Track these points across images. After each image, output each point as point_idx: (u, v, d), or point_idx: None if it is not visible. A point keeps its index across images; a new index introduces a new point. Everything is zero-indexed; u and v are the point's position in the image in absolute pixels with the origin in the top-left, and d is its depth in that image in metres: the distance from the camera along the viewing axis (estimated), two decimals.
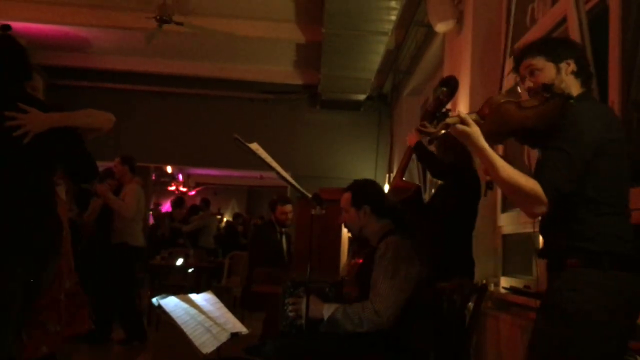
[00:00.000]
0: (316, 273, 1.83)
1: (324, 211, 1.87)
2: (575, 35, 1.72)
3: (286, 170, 1.91)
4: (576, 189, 1.08)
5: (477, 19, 2.57)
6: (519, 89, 1.24)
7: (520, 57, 1.20)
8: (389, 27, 3.68)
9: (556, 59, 1.16)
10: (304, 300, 1.64)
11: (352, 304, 1.65)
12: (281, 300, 1.79)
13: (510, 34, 2.30)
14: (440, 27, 2.84)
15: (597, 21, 1.72)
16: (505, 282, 2.21)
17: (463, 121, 1.08)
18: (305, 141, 5.51)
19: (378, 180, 5.23)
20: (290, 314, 1.68)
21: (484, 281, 1.96)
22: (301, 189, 1.89)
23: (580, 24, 1.72)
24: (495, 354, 1.91)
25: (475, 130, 1.08)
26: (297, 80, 5.49)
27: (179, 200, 6.43)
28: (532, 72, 1.17)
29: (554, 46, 1.19)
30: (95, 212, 3.40)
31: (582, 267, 1.07)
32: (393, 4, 3.38)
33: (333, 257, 2.43)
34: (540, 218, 1.18)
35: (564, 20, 1.86)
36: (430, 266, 1.74)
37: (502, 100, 1.14)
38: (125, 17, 4.18)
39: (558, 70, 1.16)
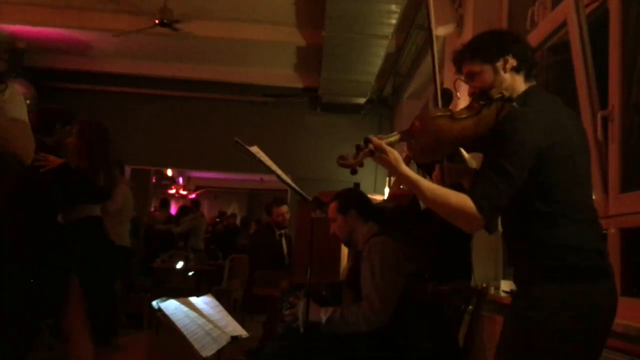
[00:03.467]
0: (317, 276, 1.83)
1: (324, 214, 1.88)
2: (575, 39, 1.73)
3: (286, 173, 1.92)
4: (526, 202, 1.03)
5: (477, 22, 2.58)
6: (457, 95, 1.21)
7: (458, 63, 1.15)
8: (389, 30, 3.69)
9: (491, 59, 1.09)
10: (302, 303, 1.66)
11: (349, 306, 1.67)
12: (279, 303, 1.81)
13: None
14: (440, 31, 2.84)
15: (597, 25, 1.73)
16: (505, 285, 2.21)
17: (379, 149, 1.04)
18: (305, 144, 5.52)
19: (378, 183, 5.24)
20: (288, 317, 1.70)
21: (484, 285, 1.97)
22: (301, 192, 1.89)
23: (581, 28, 1.73)
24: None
25: (393, 157, 1.05)
26: (298, 84, 5.50)
27: (164, 201, 6.41)
28: (471, 77, 1.12)
29: (486, 46, 1.11)
30: None
31: (541, 283, 1.03)
32: (393, 7, 3.39)
33: (333, 260, 2.42)
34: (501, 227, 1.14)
35: (564, 24, 1.87)
36: (424, 265, 1.76)
37: (433, 115, 1.09)
38: (126, 21, 4.20)
39: (495, 71, 1.09)
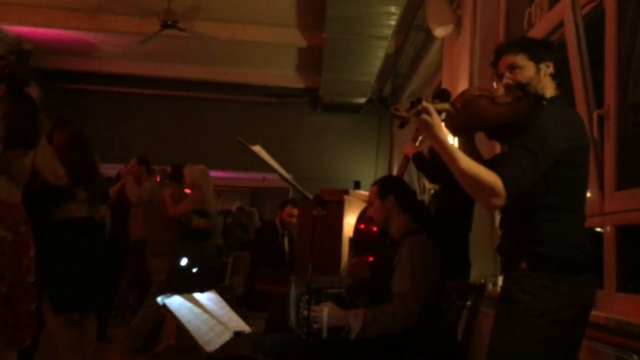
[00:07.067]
0: (318, 274, 1.84)
1: (325, 212, 1.89)
2: (571, 39, 1.76)
3: (288, 172, 1.95)
4: (536, 194, 1.09)
5: (475, 23, 2.61)
6: (494, 85, 1.23)
7: (501, 52, 1.19)
8: (388, 31, 3.73)
9: (537, 59, 1.16)
10: (325, 308, 1.61)
11: (378, 306, 1.60)
12: (293, 303, 1.77)
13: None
14: (439, 32, 2.88)
15: (593, 25, 1.76)
16: (502, 281, 2.23)
17: (426, 111, 1.08)
18: (306, 143, 5.56)
19: None
20: (313, 325, 1.62)
21: (482, 281, 1.99)
22: (303, 191, 1.92)
23: (577, 28, 1.76)
24: None
25: (436, 122, 1.08)
26: (299, 84, 5.54)
27: None
28: (512, 69, 1.17)
29: (537, 46, 1.19)
30: (116, 190, 3.45)
31: (531, 270, 1.09)
32: (393, 9, 3.43)
33: (334, 257, 2.46)
34: (500, 215, 1.20)
35: (560, 24, 1.90)
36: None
37: (476, 94, 1.14)
38: (130, 22, 4.24)
39: (537, 71, 1.16)
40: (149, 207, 3.35)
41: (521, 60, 1.16)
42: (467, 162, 1.07)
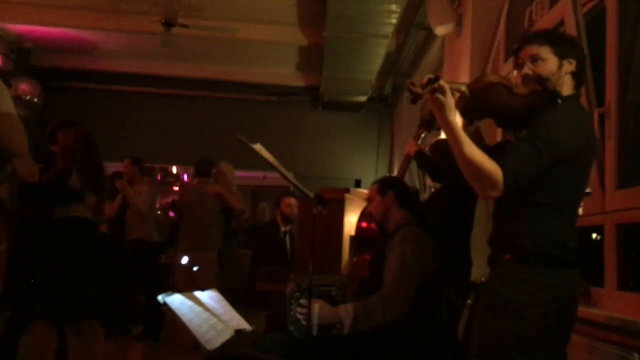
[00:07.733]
0: (319, 272, 1.84)
1: (325, 211, 1.90)
2: None
3: (288, 170, 1.94)
4: (530, 190, 1.09)
5: (476, 22, 2.61)
6: (514, 73, 1.20)
7: (525, 41, 1.17)
8: (389, 30, 3.72)
9: (562, 55, 1.14)
10: (316, 305, 1.62)
11: (368, 298, 1.62)
12: (288, 303, 1.78)
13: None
14: (440, 30, 2.88)
15: (594, 24, 1.76)
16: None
17: (441, 90, 1.04)
18: (307, 142, 5.55)
19: None
20: (303, 323, 1.64)
21: (482, 279, 1.99)
22: (303, 189, 1.92)
23: (578, 27, 1.76)
24: None
25: (450, 103, 1.05)
26: (300, 82, 5.54)
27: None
28: (534, 60, 1.14)
29: (564, 41, 1.17)
30: (115, 208, 3.47)
31: (513, 263, 1.10)
32: (394, 7, 3.42)
33: (335, 256, 2.47)
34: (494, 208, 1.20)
35: (561, 22, 1.90)
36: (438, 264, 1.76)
37: (495, 81, 1.11)
38: (131, 21, 4.25)
39: (560, 66, 1.14)
40: (190, 205, 3.32)
41: (545, 52, 1.13)
42: (471, 148, 1.05)
